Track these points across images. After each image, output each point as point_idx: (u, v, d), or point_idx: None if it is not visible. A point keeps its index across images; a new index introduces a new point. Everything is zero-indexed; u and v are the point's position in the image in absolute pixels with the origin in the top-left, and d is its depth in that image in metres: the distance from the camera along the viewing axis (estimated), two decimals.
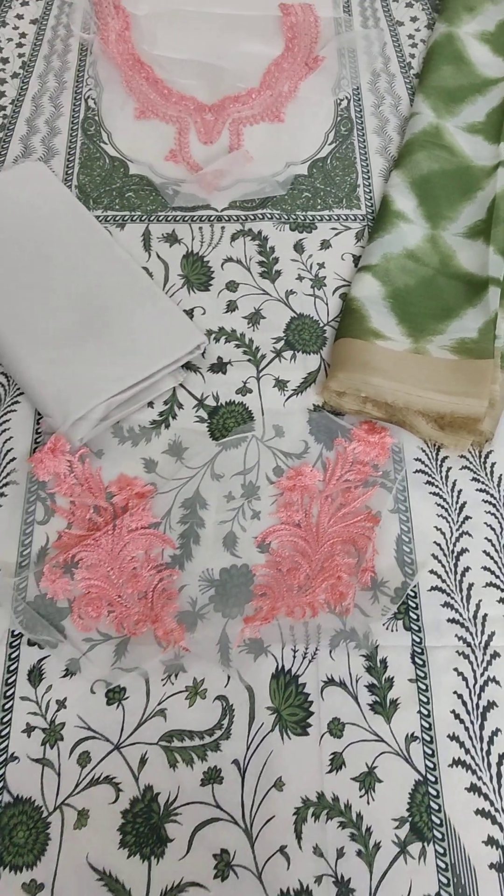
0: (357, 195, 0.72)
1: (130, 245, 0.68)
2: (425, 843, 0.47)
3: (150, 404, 0.61)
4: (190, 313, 0.65)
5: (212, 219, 0.70)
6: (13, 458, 0.58)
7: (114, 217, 0.70)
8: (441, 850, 0.47)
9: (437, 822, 0.48)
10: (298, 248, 0.69)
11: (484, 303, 0.63)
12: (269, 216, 0.70)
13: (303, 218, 0.70)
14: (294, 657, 0.52)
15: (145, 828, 0.47)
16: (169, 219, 0.70)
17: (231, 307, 0.66)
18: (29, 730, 0.49)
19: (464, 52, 0.79)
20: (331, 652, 0.52)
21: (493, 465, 0.59)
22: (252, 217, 0.70)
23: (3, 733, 0.49)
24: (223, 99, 0.77)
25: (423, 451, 0.60)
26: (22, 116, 0.76)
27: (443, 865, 0.46)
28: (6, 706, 0.50)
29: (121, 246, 0.67)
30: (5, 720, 0.49)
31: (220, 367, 0.63)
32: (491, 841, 0.47)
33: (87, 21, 0.81)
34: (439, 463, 0.59)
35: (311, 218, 0.71)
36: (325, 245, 0.69)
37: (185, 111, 0.76)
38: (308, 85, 0.79)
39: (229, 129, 0.75)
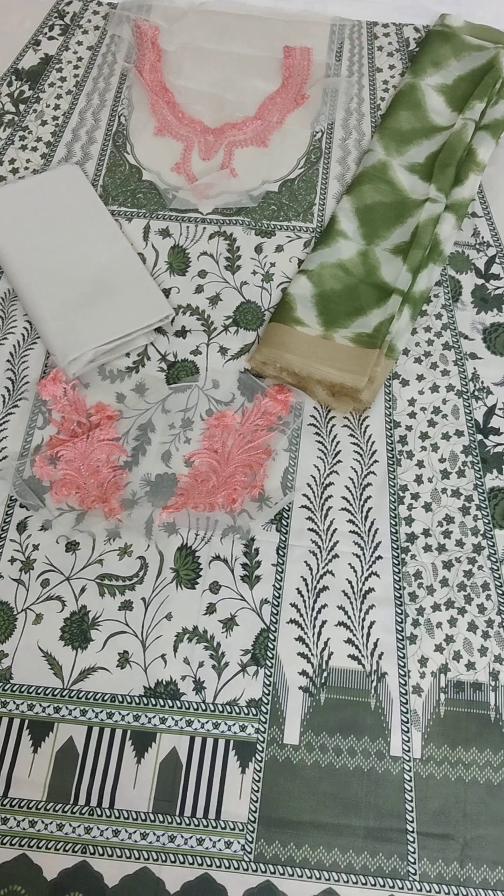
0: (312, 212, 0.92)
1: (133, 235, 0.91)
2: (259, 667, 0.70)
3: (128, 355, 0.84)
4: (167, 292, 0.87)
5: (197, 220, 0.92)
6: (27, 382, 0.82)
7: (125, 212, 0.93)
8: (269, 673, 0.70)
9: (270, 656, 0.70)
10: (258, 249, 0.90)
11: (386, 307, 0.83)
12: (241, 222, 0.91)
13: (266, 226, 0.91)
14: (195, 538, 0.75)
15: (77, 630, 0.71)
16: (165, 217, 0.92)
17: (199, 289, 0.88)
18: (12, 560, 0.74)
19: (422, 101, 0.97)
20: (221, 539, 0.75)
21: (367, 427, 0.80)
22: (228, 221, 0.92)
23: None
24: (224, 124, 0.98)
25: (317, 410, 0.81)
26: (69, 126, 0.99)
27: (267, 682, 0.69)
28: (0, 544, 0.75)
29: (126, 236, 0.89)
30: None
31: (182, 333, 0.85)
32: (304, 673, 0.69)
33: (130, 52, 1.03)
34: (327, 420, 0.80)
35: (272, 226, 0.91)
36: (278, 249, 0.90)
37: (192, 132, 0.98)
38: (293, 117, 0.99)
39: (224, 149, 0.96)
